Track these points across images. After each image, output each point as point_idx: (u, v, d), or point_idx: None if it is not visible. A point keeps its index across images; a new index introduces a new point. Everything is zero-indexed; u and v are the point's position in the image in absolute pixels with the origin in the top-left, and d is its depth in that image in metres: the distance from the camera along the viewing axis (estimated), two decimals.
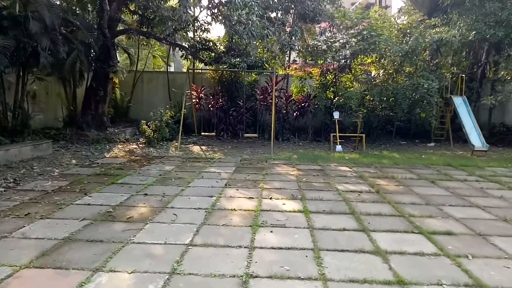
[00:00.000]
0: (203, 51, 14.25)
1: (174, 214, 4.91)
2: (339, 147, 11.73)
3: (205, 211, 5.05)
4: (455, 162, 9.49)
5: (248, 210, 5.13)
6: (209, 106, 14.01)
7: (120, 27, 14.40)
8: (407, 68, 13.28)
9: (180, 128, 11.50)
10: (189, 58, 14.46)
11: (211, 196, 5.80)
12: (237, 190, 6.27)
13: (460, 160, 10.00)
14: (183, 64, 22.23)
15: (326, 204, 5.50)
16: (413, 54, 12.53)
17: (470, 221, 4.88)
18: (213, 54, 13.85)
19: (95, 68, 12.20)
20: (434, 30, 12.61)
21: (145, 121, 12.18)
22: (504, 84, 12.95)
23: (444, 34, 12.06)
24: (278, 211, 5.15)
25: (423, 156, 10.87)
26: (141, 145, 11.77)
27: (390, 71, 13.65)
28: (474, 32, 12.02)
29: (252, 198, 5.77)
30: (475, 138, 11.62)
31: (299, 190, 6.34)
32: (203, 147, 11.89)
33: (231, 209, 5.16)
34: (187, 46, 14.09)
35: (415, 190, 6.57)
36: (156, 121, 12.12)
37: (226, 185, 6.58)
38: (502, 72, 13.15)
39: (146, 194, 5.86)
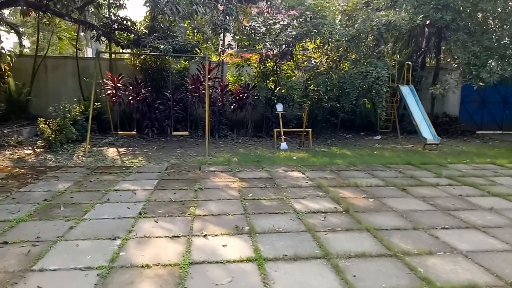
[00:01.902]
0: (120, 32, 11.83)
1: (38, 287, 2.88)
2: (284, 145, 10.22)
3: (98, 275, 3.09)
4: (414, 160, 8.45)
5: (169, 265, 3.27)
6: (130, 98, 11.67)
7: None
8: (352, 55, 12.15)
9: (89, 126, 9.11)
10: (101, 40, 11.88)
11: (114, 239, 3.82)
12: (156, 222, 4.34)
13: (416, 157, 9.03)
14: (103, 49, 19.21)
15: (285, 241, 3.83)
16: (359, 39, 11.40)
17: (484, 258, 3.54)
18: (132, 35, 11.47)
19: None
20: (380, 13, 11.59)
21: (43, 119, 9.56)
22: (450, 72, 12.38)
23: (391, 17, 11.07)
24: (217, 262, 3.35)
25: (375, 153, 9.78)
26: (38, 150, 9.18)
27: (334, 58, 12.43)
28: (422, 15, 11.18)
29: (178, 237, 3.90)
30: (426, 130, 10.84)
31: (245, 215, 4.60)
32: (121, 150, 9.63)
33: (142, 266, 3.25)
34: (97, 25, 11.52)
35: (390, 203, 5.19)
36: (58, 118, 9.55)
37: (141, 213, 4.61)
38: (448, 60, 12.58)
39: (6, 243, 3.69)
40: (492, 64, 10.86)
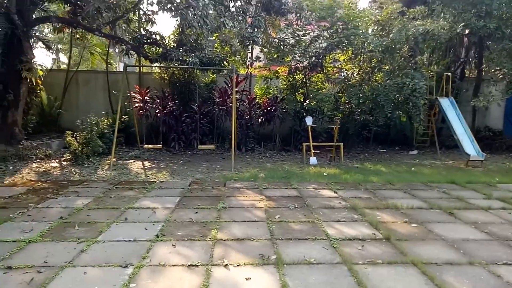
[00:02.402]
0: (149, 46, 11.83)
1: None
2: (313, 160, 9.70)
3: None
4: (457, 178, 7.70)
5: None
6: (157, 111, 11.56)
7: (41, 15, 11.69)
8: (386, 66, 11.52)
9: (114, 140, 8.94)
10: (130, 54, 11.92)
11: (126, 266, 3.44)
12: (174, 246, 3.95)
13: (459, 174, 8.26)
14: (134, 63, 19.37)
15: (318, 275, 3.32)
16: (394, 50, 10.78)
17: None
18: (160, 49, 11.42)
19: (0, 65, 9.39)
20: (416, 22, 10.95)
21: (70, 132, 9.55)
22: (495, 83, 11.46)
23: (429, 26, 10.40)
24: None
25: (413, 169, 9.07)
26: (64, 163, 9.13)
27: (367, 69, 11.83)
28: (462, 24, 10.46)
29: (196, 266, 3.48)
30: (469, 145, 10.00)
31: (271, 241, 4.13)
32: (147, 163, 9.44)
33: None
34: (127, 40, 11.55)
35: (436, 230, 4.56)
36: (85, 132, 9.52)
37: (158, 236, 4.24)
38: (492, 70, 11.69)
39: (10, 268, 3.40)
40: None
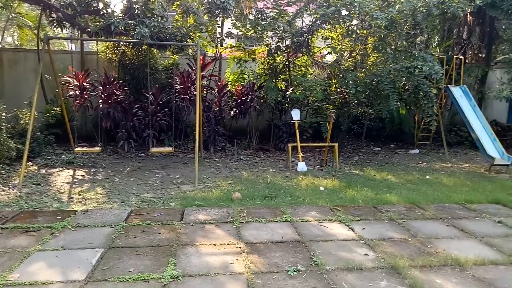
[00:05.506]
0: (88, 16, 9.17)
1: None
2: (302, 165, 7.52)
3: None
4: (498, 194, 5.77)
5: None
6: (100, 101, 8.95)
7: None
8: (387, 47, 9.38)
9: (27, 142, 6.29)
10: (65, 26, 9.16)
11: None
12: None
13: (491, 186, 6.37)
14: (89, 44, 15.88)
15: None
16: (400, 25, 8.67)
17: None
18: (102, 20, 8.75)
19: None
20: None
21: None
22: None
23: None
24: None
25: (427, 178, 7.11)
26: None
27: (361, 51, 9.65)
28: None
29: None
30: (490, 146, 8.12)
31: None
32: (80, 173, 6.93)
33: None
34: (58, 6, 8.78)
35: None
36: None
37: None
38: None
39: None
40: None
